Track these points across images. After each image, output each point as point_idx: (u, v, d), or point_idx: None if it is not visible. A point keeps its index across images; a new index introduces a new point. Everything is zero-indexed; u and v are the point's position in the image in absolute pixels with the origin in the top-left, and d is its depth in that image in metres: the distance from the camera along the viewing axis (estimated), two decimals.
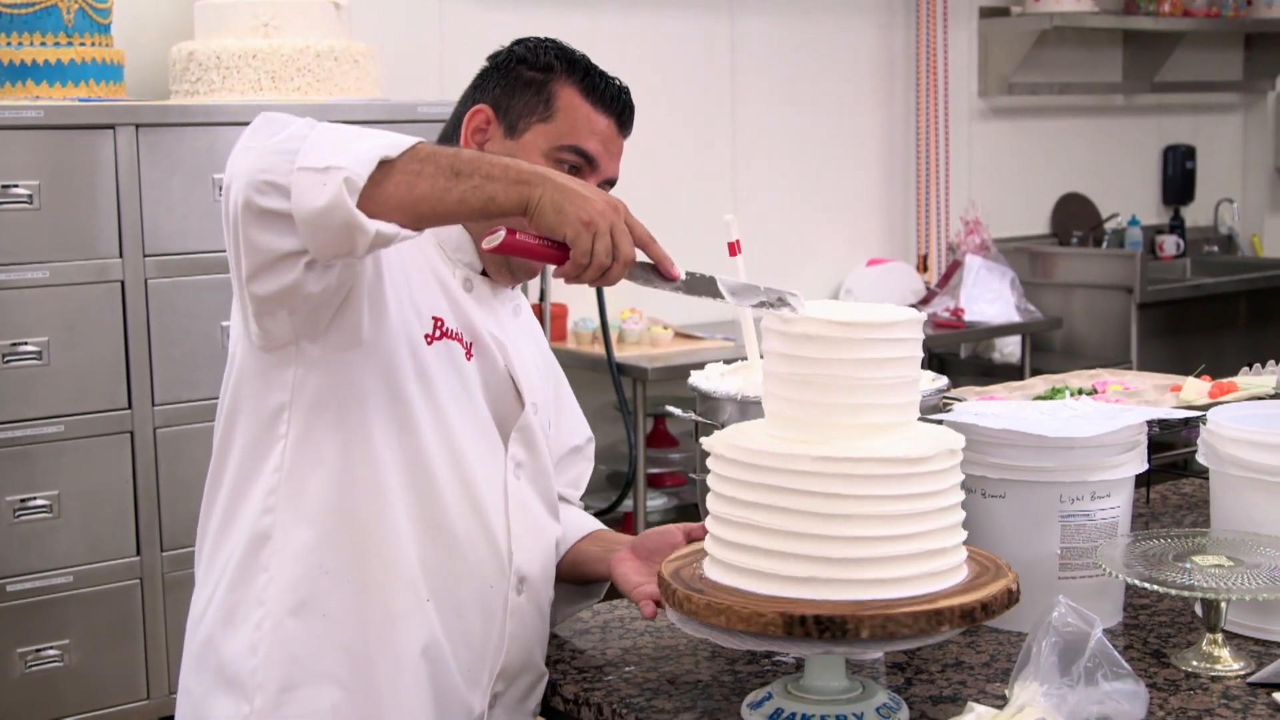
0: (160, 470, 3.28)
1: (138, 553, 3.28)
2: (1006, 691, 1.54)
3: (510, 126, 1.80)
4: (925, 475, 1.49)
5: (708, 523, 1.58)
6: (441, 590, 1.73)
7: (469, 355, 1.77)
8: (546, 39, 1.86)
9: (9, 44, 3.36)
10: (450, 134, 1.85)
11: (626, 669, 1.80)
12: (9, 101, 3.23)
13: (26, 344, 3.13)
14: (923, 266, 5.53)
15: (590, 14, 4.72)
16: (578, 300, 4.54)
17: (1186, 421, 2.10)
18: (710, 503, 1.56)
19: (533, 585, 1.82)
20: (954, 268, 5.33)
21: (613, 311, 4.45)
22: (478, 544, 1.75)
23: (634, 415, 4.31)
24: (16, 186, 3.11)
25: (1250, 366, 2.51)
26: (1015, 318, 5.18)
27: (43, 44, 3.37)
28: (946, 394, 2.10)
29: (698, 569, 1.58)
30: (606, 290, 4.29)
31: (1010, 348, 5.39)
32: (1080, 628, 1.52)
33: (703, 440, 1.60)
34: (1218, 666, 1.71)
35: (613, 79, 1.84)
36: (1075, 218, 6.08)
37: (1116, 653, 1.52)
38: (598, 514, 2.27)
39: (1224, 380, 2.40)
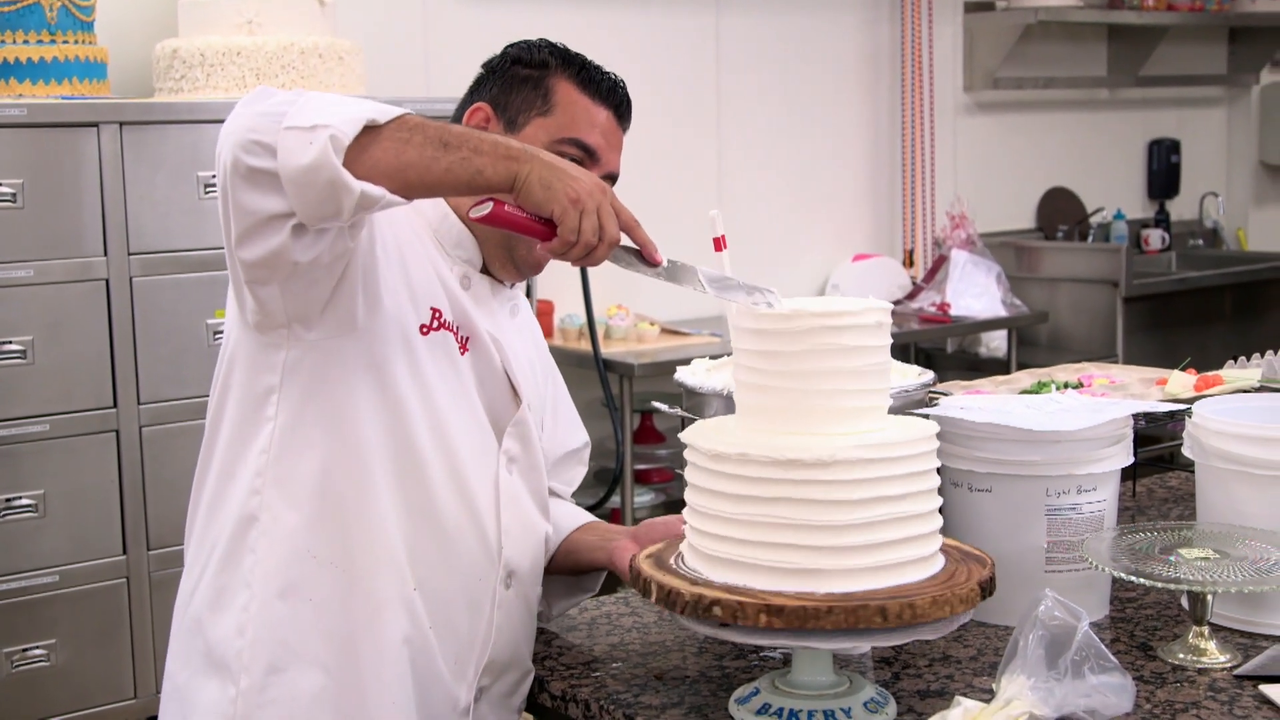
0: (146, 469, 3.27)
1: (124, 552, 3.27)
2: (994, 685, 1.55)
3: (510, 122, 1.81)
4: (893, 478, 1.49)
5: (685, 513, 1.59)
6: (429, 580, 1.73)
7: (464, 350, 1.77)
8: (538, 39, 1.86)
9: None
10: None
11: (614, 665, 1.80)
12: None
13: (11, 343, 3.12)
14: (909, 261, 5.53)
15: (575, 10, 4.71)
16: (564, 296, 4.54)
17: (1172, 415, 2.11)
18: (686, 494, 1.58)
19: (521, 580, 1.83)
20: (940, 262, 5.34)
21: (599, 307, 4.45)
22: (467, 535, 1.75)
23: (621, 411, 4.31)
24: (0, 185, 3.10)
25: (1235, 360, 2.52)
26: (1001, 312, 5.19)
27: (25, 42, 3.36)
28: (932, 388, 2.11)
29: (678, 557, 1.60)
30: (593, 286, 4.30)
31: (996, 342, 5.40)
32: (1067, 621, 1.52)
33: (680, 435, 1.61)
34: (1204, 659, 1.71)
35: (608, 72, 1.85)
36: (1061, 212, 6.09)
37: (1103, 646, 1.52)
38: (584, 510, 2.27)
39: (1209, 374, 2.40)
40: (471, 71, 1.90)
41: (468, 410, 1.77)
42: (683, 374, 1.99)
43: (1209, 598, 1.72)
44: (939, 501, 1.55)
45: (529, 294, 4.20)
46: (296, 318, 1.63)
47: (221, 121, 1.54)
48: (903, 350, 5.28)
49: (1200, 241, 6.55)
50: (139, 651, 3.29)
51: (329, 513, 1.68)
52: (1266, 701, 1.60)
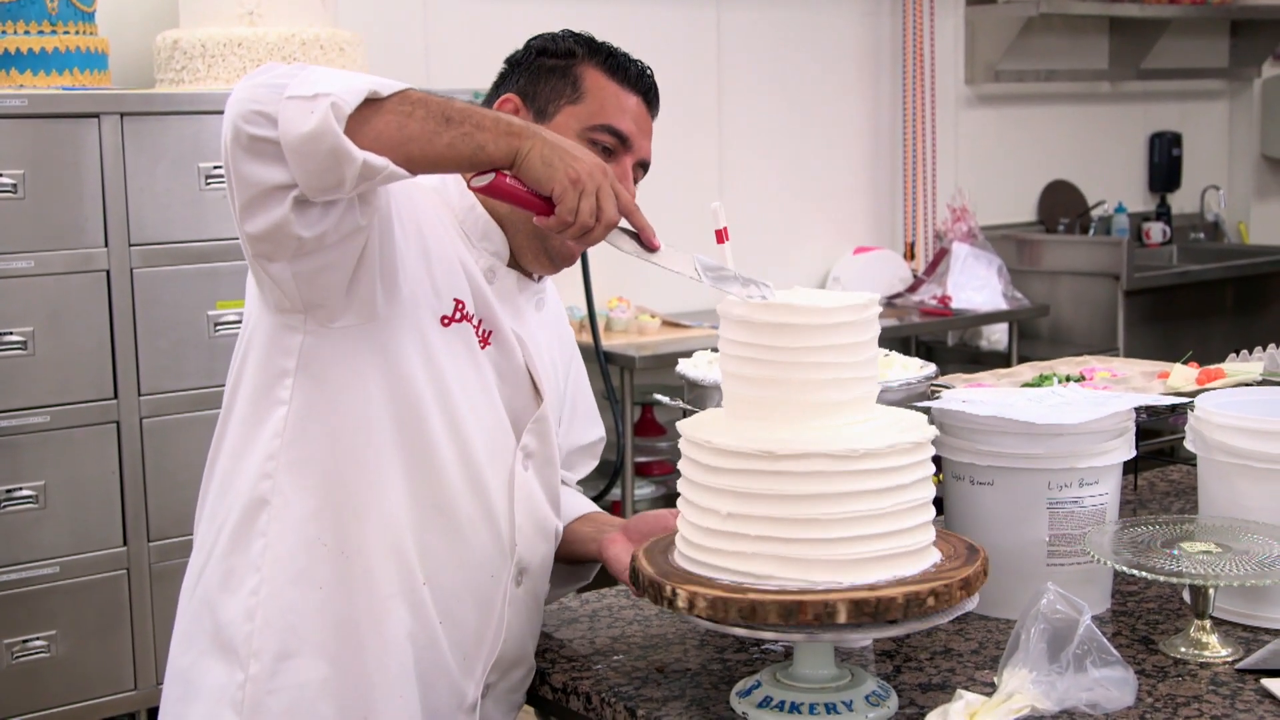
0: (146, 460, 3.27)
1: (124, 543, 3.27)
2: (995, 679, 1.55)
3: (540, 111, 1.80)
4: (880, 471, 1.48)
5: (679, 504, 1.59)
6: (438, 575, 1.71)
7: (485, 343, 1.75)
8: (561, 30, 1.85)
9: None
10: None
11: (615, 658, 1.80)
12: None
13: (11, 334, 3.12)
14: (910, 254, 5.53)
15: (576, 2, 4.70)
16: (565, 288, 4.51)
17: (1174, 408, 2.11)
18: (679, 485, 1.58)
19: (532, 577, 1.81)
20: (941, 255, 5.34)
21: (600, 299, 4.44)
22: (480, 531, 1.74)
23: (622, 404, 4.31)
24: (1, 176, 3.09)
25: (1237, 353, 2.52)
26: (1002, 305, 5.19)
27: (26, 32, 3.35)
28: (934, 381, 2.10)
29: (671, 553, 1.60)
30: (594, 278, 4.29)
31: (997, 335, 5.40)
32: (1069, 615, 1.52)
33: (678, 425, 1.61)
34: (1206, 653, 1.71)
35: (635, 60, 1.84)
36: (1062, 205, 6.09)
37: (1105, 639, 1.52)
38: None
39: (1211, 367, 2.40)
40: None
41: (485, 405, 1.74)
42: (684, 366, 1.99)
43: (1211, 591, 1.72)
44: (929, 493, 1.54)
45: None
46: (315, 304, 1.62)
47: (222, 113, 1.53)
48: (903, 343, 5.28)
49: (1201, 235, 6.54)
50: (139, 643, 3.29)
51: (339, 502, 1.66)
52: (1268, 695, 1.60)
